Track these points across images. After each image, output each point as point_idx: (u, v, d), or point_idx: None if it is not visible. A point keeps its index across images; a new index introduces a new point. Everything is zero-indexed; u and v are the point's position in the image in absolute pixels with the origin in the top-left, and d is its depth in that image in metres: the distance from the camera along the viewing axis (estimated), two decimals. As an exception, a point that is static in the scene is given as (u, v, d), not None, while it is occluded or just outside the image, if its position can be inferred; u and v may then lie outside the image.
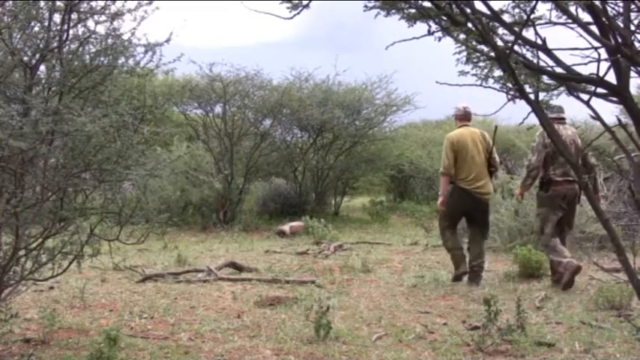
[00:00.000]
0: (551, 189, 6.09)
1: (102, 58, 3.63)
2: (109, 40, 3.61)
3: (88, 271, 6.55)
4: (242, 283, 6.34)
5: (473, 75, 2.78)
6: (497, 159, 6.60)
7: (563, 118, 6.22)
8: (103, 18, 3.61)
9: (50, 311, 4.41)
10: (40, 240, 3.86)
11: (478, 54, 2.71)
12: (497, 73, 2.72)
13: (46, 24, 3.53)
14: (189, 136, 13.11)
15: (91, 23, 3.65)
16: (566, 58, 2.70)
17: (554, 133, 2.86)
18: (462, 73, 2.78)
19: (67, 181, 3.64)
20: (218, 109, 12.61)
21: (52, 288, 5.78)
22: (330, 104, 12.62)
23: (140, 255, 8.01)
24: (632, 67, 2.50)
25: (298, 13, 2.80)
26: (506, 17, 2.64)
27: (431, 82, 3.01)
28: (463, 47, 2.74)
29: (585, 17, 2.60)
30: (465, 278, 6.36)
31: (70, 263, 4.00)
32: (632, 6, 2.54)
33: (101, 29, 3.68)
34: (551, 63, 2.66)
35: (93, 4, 3.62)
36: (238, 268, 7.08)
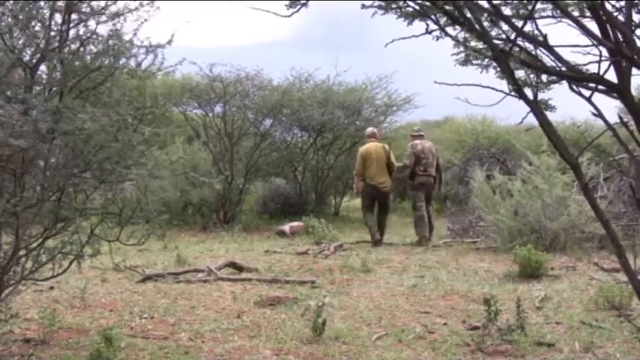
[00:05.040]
0: (416, 178, 9.71)
1: (103, 59, 3.62)
2: (110, 41, 3.60)
3: (88, 271, 6.54)
4: (242, 283, 6.33)
5: (474, 64, 2.77)
6: (395, 163, 9.72)
7: (422, 135, 10.04)
8: (104, 18, 3.60)
9: (50, 311, 4.41)
10: (40, 240, 3.85)
11: (476, 54, 2.70)
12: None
13: (47, 24, 3.52)
14: (189, 136, 13.10)
15: (92, 23, 3.64)
16: (568, 54, 2.70)
17: (553, 133, 2.86)
18: (463, 63, 2.77)
19: (67, 181, 3.63)
20: (218, 109, 12.60)
21: (52, 288, 5.77)
22: (330, 105, 12.61)
23: (140, 255, 7.99)
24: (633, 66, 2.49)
25: (297, 11, 2.79)
26: (506, 11, 2.63)
27: (431, 82, 3.01)
28: (461, 47, 2.73)
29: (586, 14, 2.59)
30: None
31: (71, 263, 3.99)
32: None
33: (102, 30, 3.68)
34: (552, 60, 2.66)
35: (94, 4, 3.61)
36: (238, 268, 7.07)
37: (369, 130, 10.11)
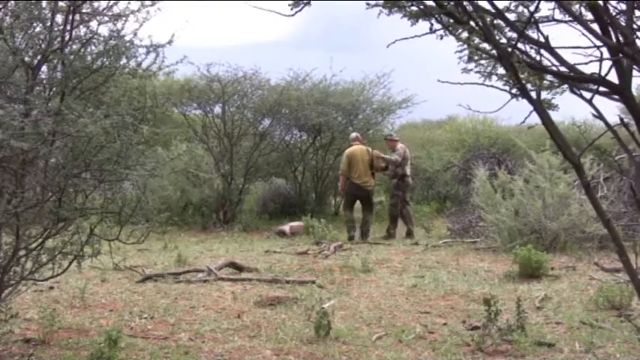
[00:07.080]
0: (405, 179, 10.76)
1: (104, 59, 3.62)
2: (112, 42, 3.60)
3: (88, 271, 6.54)
4: (242, 283, 6.33)
5: (476, 72, 2.77)
6: (376, 164, 10.59)
7: (398, 139, 11.17)
8: (106, 19, 3.60)
9: (50, 311, 4.41)
10: (40, 240, 3.85)
11: (480, 52, 2.69)
12: (501, 70, 2.71)
13: (49, 24, 3.51)
14: (189, 136, 13.09)
15: (93, 24, 3.64)
16: (569, 56, 2.69)
17: (556, 132, 2.85)
18: (465, 70, 2.77)
19: (67, 182, 3.63)
20: (217, 109, 12.59)
21: (52, 288, 5.77)
22: (327, 105, 12.58)
23: (140, 255, 8.00)
24: (634, 66, 2.49)
25: (300, 10, 2.79)
26: (509, 15, 2.63)
27: (433, 83, 3.01)
28: (465, 46, 2.73)
29: (588, 15, 2.59)
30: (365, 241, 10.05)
31: (70, 263, 3.99)
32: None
33: (103, 30, 3.67)
34: (553, 62, 2.65)
35: (95, 4, 3.61)
36: (238, 268, 7.07)
37: (353, 135, 11.22)
